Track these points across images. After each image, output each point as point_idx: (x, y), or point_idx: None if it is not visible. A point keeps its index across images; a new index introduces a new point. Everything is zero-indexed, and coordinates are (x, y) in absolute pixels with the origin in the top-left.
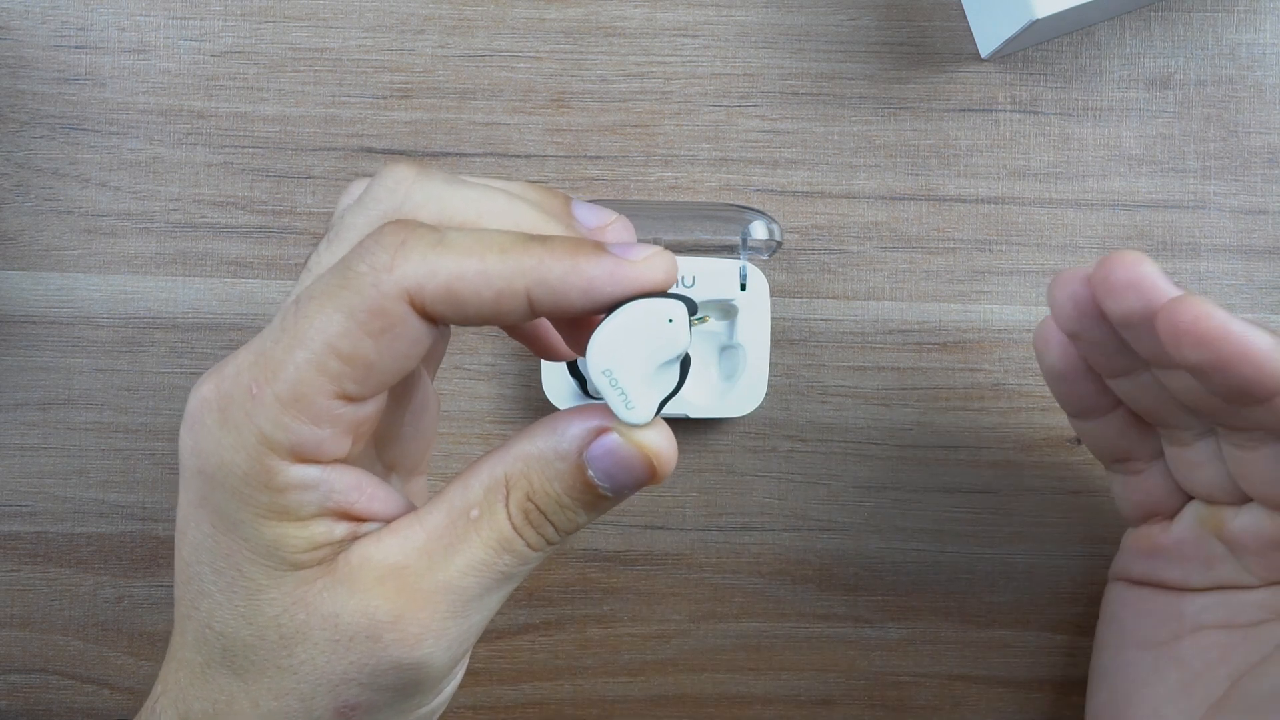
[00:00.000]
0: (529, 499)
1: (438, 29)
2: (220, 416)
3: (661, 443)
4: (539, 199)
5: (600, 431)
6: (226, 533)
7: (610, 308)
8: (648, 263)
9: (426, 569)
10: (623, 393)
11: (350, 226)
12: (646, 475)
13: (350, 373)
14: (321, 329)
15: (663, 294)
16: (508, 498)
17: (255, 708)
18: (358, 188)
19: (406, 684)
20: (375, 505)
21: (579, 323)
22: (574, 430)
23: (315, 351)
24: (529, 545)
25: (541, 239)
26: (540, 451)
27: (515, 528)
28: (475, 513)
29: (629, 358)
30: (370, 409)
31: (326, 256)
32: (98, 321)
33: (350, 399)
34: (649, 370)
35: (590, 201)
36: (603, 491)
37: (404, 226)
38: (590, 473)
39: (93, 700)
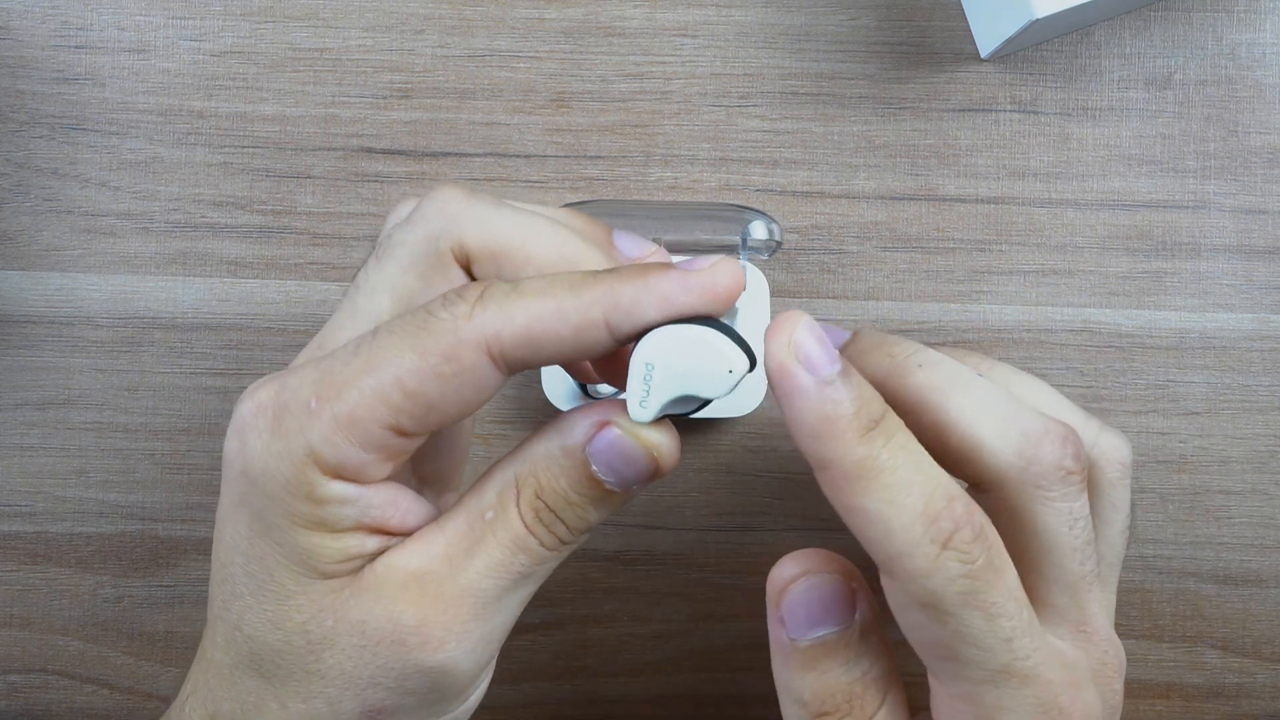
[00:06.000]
0: (538, 497)
1: (438, 29)
2: (274, 423)
3: (663, 436)
4: (582, 227)
5: (602, 425)
6: (262, 536)
7: (641, 335)
8: (714, 269)
9: (448, 574)
10: (647, 390)
11: (399, 244)
12: (649, 468)
13: (410, 409)
14: (394, 363)
15: (739, 340)
16: (518, 497)
17: (283, 709)
18: (406, 207)
19: (432, 687)
20: (409, 519)
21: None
22: (578, 427)
23: (382, 382)
24: (543, 544)
25: (609, 270)
26: (546, 450)
27: (528, 527)
28: (490, 515)
29: (673, 368)
30: (416, 443)
31: (375, 274)
32: (98, 321)
33: (403, 433)
34: (681, 388)
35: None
36: (608, 486)
37: (484, 282)
38: (594, 467)
39: (92, 700)
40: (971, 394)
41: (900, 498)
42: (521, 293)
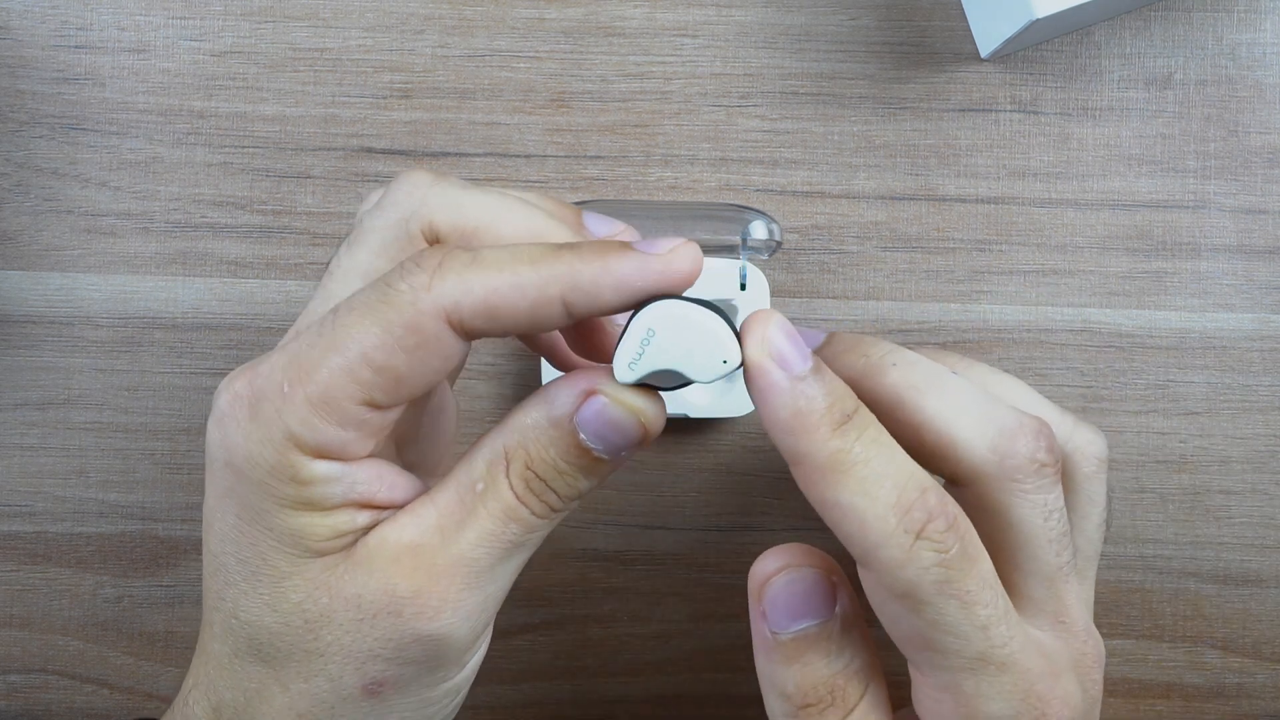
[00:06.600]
0: (528, 468)
1: (438, 29)
2: (251, 411)
3: (649, 402)
4: (552, 208)
5: (588, 394)
6: (252, 523)
7: (644, 302)
8: (674, 254)
9: (440, 545)
10: (640, 354)
11: (370, 230)
12: (637, 435)
13: (380, 383)
14: (358, 340)
15: (738, 335)
16: (508, 469)
17: (285, 691)
18: (376, 195)
19: (430, 656)
20: (396, 494)
21: (586, 333)
22: (563, 397)
23: (349, 359)
24: (534, 513)
25: (569, 245)
26: (534, 421)
27: (518, 497)
28: (480, 486)
29: (673, 341)
30: (394, 415)
31: (347, 260)
32: (98, 321)
33: (377, 407)
34: (673, 363)
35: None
36: (597, 454)
37: (442, 249)
38: (582, 436)
39: (92, 700)
40: (946, 391)
41: (873, 490)
42: (481, 263)
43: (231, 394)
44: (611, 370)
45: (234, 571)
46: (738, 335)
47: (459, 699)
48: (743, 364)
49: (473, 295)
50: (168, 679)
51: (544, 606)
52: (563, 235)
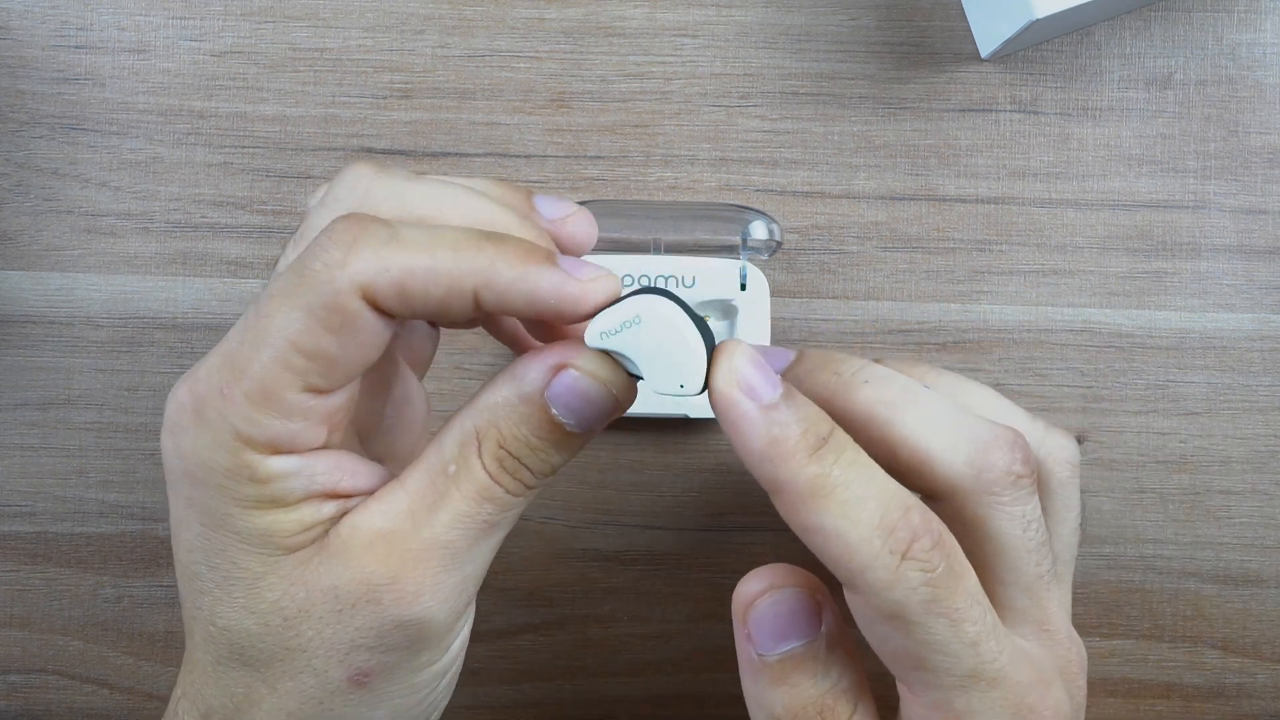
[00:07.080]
0: (500, 446)
1: (438, 29)
2: (196, 418)
3: (617, 374)
4: (500, 193)
5: (558, 368)
6: (217, 529)
7: (643, 290)
8: (594, 284)
9: (413, 529)
10: (616, 331)
11: (313, 227)
12: (609, 406)
13: (314, 368)
14: (282, 328)
15: (710, 367)
16: (480, 449)
17: (272, 692)
18: (324, 189)
19: (413, 641)
20: (360, 481)
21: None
22: (533, 373)
23: (279, 350)
24: (508, 491)
25: (495, 238)
26: (504, 398)
27: (492, 476)
28: (453, 468)
29: (651, 338)
30: (341, 399)
31: (293, 256)
32: (98, 321)
33: (318, 392)
34: (638, 355)
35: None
36: (569, 428)
37: (356, 222)
38: (554, 411)
39: (92, 700)
40: (918, 406)
41: (855, 512)
42: (399, 242)
43: (176, 403)
44: (576, 344)
45: (206, 579)
46: (709, 367)
47: (447, 682)
48: (708, 394)
49: (388, 275)
50: (167, 679)
51: (544, 606)
52: (507, 220)
